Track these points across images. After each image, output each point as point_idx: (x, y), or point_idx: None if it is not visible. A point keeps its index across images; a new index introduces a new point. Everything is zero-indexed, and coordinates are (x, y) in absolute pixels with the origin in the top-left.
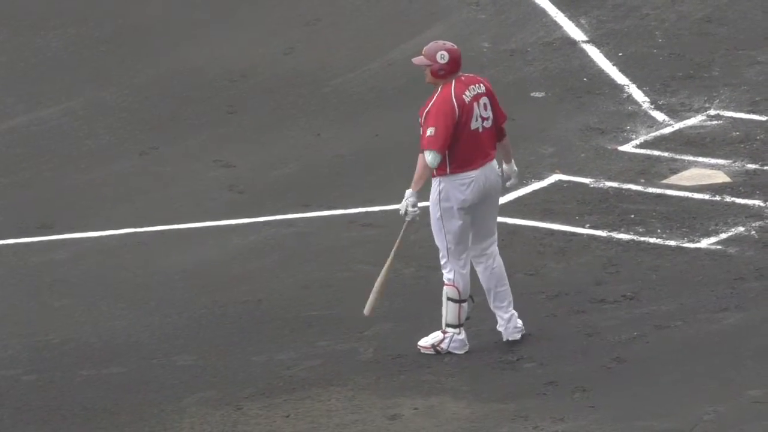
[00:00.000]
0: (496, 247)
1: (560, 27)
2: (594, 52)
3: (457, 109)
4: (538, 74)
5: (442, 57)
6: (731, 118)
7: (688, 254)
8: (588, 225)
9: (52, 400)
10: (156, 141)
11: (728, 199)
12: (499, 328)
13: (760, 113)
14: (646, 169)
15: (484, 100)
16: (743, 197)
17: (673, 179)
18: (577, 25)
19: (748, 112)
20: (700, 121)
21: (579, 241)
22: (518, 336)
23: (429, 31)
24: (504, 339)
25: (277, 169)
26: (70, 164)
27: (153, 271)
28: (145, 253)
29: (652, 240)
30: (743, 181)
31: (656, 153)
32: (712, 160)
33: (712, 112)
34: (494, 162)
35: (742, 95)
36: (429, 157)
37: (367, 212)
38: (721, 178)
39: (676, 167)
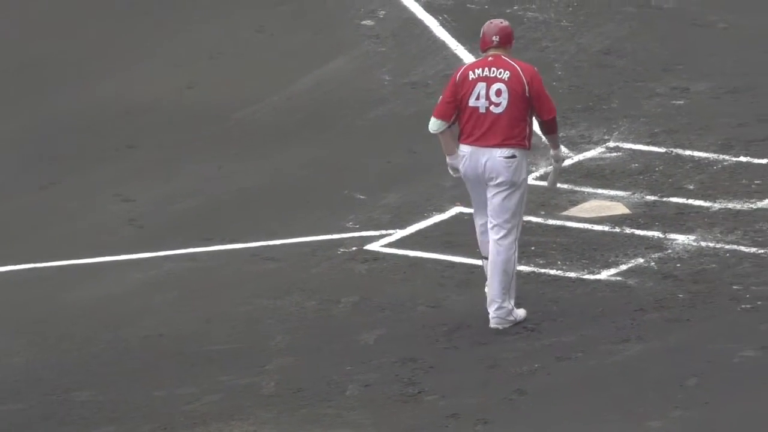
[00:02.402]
0: (497, 236)
1: (460, 59)
2: None
3: (458, 82)
4: None
5: (480, 34)
6: (630, 149)
7: (589, 286)
8: None
9: None
10: (57, 175)
11: (628, 230)
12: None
13: (659, 145)
14: (546, 201)
15: (498, 85)
16: (643, 229)
17: (573, 211)
18: (477, 59)
19: (647, 143)
20: (600, 153)
21: (480, 273)
22: (497, 326)
23: (331, 64)
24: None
25: (179, 203)
26: None
27: (53, 307)
28: (45, 289)
29: (553, 272)
30: (642, 213)
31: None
32: (612, 192)
33: (611, 144)
34: (499, 150)
35: (641, 127)
36: (429, 124)
37: (269, 246)
38: (621, 209)
39: (575, 199)
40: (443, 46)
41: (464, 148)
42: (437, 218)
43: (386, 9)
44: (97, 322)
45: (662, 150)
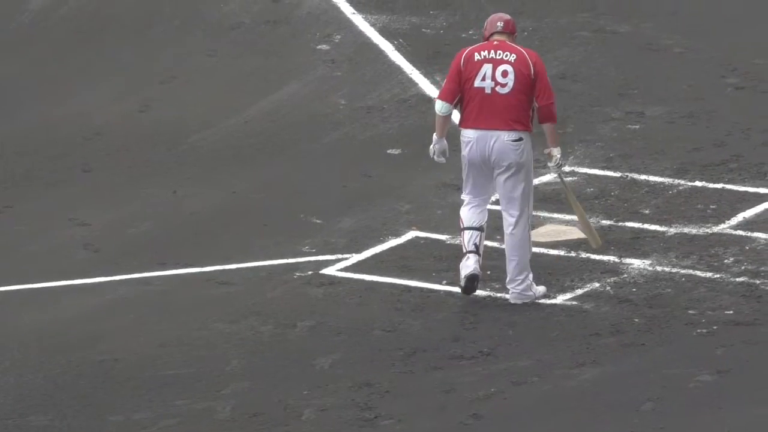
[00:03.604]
0: (510, 228)
1: (416, 84)
2: None
3: (462, 63)
4: (395, 131)
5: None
6: (586, 174)
7: (544, 310)
8: (445, 281)
9: None
10: (10, 200)
11: (583, 255)
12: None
13: (615, 169)
14: (502, 226)
15: (504, 67)
16: (598, 253)
17: None
18: (432, 83)
19: (603, 168)
20: (556, 177)
21: (436, 297)
22: (518, 301)
23: (285, 88)
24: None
25: (134, 227)
26: None
27: (7, 331)
28: None
29: (509, 296)
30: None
31: None
32: (568, 216)
33: (567, 168)
34: (506, 134)
35: (597, 151)
36: (435, 105)
37: (224, 270)
38: (576, 234)
39: (531, 223)
40: (398, 70)
41: (470, 133)
42: (393, 242)
43: (342, 33)
44: (52, 346)
45: (618, 174)
